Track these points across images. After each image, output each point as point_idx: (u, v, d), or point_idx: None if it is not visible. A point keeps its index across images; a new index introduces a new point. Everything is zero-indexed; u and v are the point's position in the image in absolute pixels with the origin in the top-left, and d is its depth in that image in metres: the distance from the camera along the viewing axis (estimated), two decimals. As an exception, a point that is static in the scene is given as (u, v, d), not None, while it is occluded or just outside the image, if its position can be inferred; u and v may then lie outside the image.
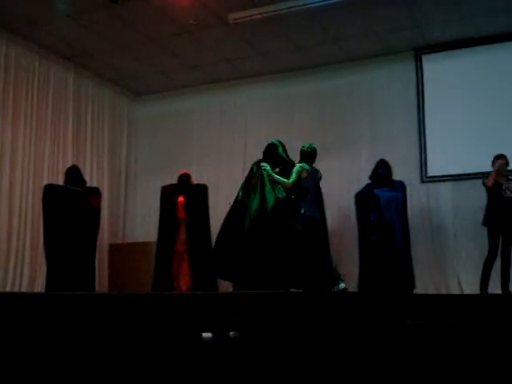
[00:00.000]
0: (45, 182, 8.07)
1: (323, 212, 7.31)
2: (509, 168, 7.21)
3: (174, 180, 7.89)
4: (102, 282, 9.11)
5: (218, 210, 8.25)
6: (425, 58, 9.05)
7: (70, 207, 7.04)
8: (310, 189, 7.02)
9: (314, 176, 7.18)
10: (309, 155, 7.19)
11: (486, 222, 7.15)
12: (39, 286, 8.33)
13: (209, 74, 9.96)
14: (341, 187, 9.03)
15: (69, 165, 8.21)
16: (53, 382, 3.64)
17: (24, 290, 8.11)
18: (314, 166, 7.25)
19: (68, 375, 3.67)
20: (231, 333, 3.90)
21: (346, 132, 9.33)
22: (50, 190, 7.18)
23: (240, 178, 9.42)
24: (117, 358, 3.74)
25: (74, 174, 7.46)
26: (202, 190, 7.69)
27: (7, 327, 3.80)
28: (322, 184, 7.44)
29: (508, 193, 6.98)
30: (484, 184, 7.18)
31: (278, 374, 3.83)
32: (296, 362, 3.87)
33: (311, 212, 6.89)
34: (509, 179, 7.09)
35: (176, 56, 9.22)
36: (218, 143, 10.08)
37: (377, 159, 7.94)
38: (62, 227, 6.93)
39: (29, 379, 3.66)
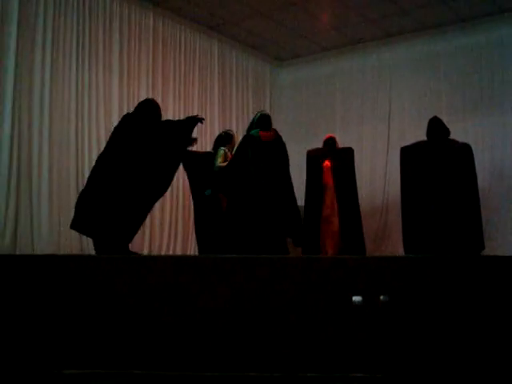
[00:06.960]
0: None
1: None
2: None
3: (318, 144, 7.89)
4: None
5: (362, 173, 8.24)
6: None
7: None
8: None
9: None
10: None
11: None
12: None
13: (351, 36, 9.80)
14: (494, 145, 8.69)
15: (216, 131, 8.55)
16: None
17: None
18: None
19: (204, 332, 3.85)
20: (381, 297, 3.91)
21: (497, 87, 8.86)
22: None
23: (384, 140, 9.38)
24: (266, 320, 3.88)
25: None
26: (349, 153, 7.55)
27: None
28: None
29: None
30: None
31: (429, 339, 3.80)
32: (446, 327, 3.82)
33: None
34: None
35: (317, 19, 9.14)
36: (362, 106, 9.95)
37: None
38: None
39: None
